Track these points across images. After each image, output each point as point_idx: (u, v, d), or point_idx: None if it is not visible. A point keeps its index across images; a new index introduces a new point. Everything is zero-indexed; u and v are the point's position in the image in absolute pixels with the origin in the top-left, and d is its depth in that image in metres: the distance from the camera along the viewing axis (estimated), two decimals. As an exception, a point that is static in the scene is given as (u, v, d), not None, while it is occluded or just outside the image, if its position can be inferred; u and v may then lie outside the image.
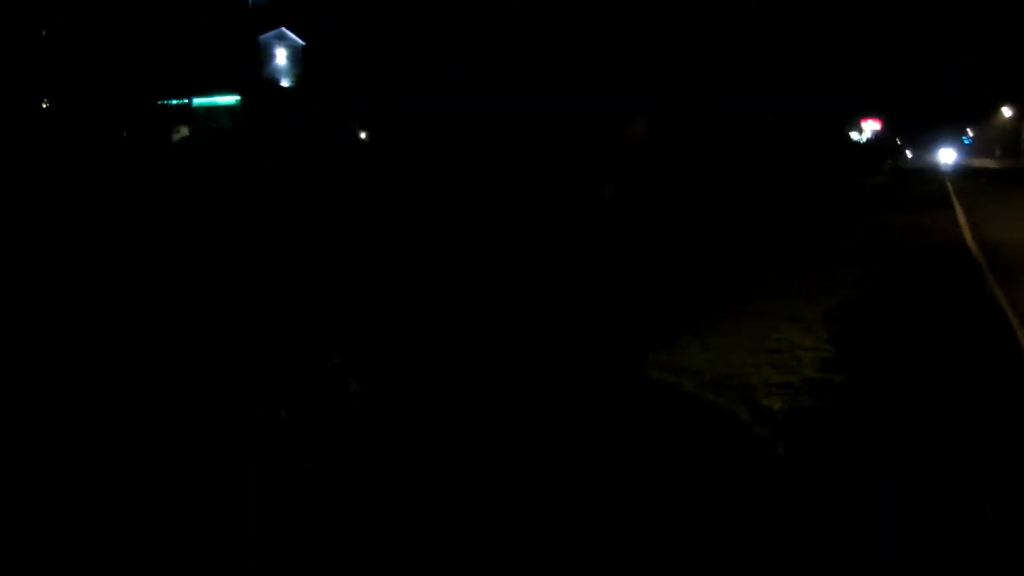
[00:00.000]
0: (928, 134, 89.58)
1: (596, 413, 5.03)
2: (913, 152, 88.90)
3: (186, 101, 37.74)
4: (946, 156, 69.19)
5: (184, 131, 38.79)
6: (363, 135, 45.00)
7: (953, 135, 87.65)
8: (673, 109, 20.34)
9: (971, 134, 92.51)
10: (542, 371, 5.88)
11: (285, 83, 59.09)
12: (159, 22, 36.18)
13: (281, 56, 62.62)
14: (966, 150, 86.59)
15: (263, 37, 59.67)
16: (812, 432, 4.66)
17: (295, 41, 62.85)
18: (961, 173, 46.42)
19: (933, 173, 46.44)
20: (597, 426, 4.81)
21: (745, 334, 6.95)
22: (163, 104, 36.31)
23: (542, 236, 11.94)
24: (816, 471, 4.11)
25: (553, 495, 3.84)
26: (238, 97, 48.15)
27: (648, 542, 3.43)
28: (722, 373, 5.82)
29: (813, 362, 6.09)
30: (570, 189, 16.25)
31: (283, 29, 61.28)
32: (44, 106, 36.36)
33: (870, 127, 65.14)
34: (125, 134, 34.28)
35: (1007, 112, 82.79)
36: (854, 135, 61.63)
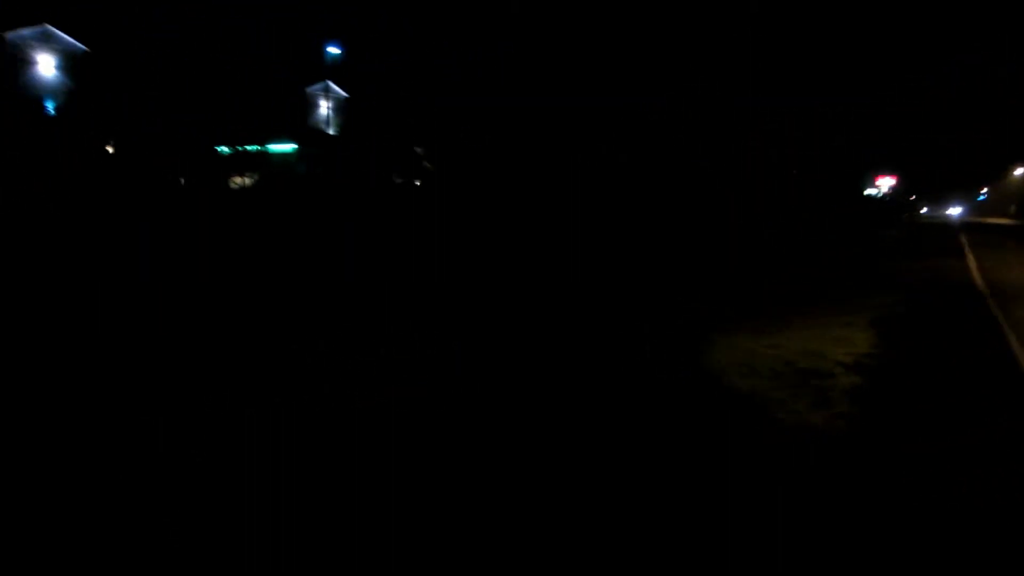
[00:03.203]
0: (943, 191, 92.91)
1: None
2: (928, 208, 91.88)
3: (259, 148, 40.56)
4: (954, 211, 75.17)
5: (246, 180, 40.78)
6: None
7: (966, 194, 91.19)
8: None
9: (985, 192, 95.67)
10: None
11: (330, 132, 62.92)
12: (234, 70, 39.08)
13: (324, 107, 67.02)
14: (980, 207, 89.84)
15: (310, 89, 63.69)
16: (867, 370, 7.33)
17: (339, 93, 67.18)
18: (975, 228, 48.83)
19: (947, 228, 49.00)
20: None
21: (814, 330, 9.59)
22: (235, 149, 38.90)
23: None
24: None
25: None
26: (295, 145, 51.46)
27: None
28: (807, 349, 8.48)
29: (865, 345, 8.72)
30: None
31: (328, 82, 65.49)
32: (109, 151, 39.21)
33: (886, 183, 68.25)
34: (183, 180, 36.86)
35: (1019, 172, 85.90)
36: (870, 191, 64.03)
